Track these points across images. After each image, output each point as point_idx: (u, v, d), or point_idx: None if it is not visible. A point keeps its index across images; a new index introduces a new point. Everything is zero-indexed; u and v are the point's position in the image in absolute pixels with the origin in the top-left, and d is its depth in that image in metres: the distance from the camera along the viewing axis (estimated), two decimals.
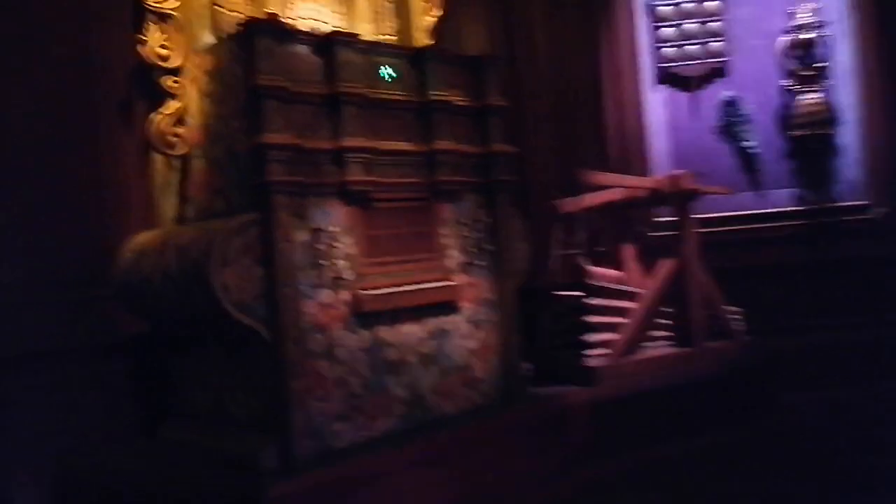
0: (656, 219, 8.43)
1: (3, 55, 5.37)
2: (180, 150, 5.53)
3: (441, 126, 5.79)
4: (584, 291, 6.73)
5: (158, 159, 5.71)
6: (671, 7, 8.73)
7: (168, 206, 5.69)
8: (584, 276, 6.80)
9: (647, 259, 7.30)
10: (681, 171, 7.22)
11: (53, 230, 5.54)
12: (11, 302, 5.26)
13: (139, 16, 5.57)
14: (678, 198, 7.12)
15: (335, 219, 5.13)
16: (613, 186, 7.18)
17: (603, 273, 6.99)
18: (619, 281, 7.03)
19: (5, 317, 5.20)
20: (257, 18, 5.00)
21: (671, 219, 7.40)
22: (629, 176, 7.60)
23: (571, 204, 7.04)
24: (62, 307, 5.48)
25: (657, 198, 7.29)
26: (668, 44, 8.75)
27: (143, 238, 5.57)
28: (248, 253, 4.70)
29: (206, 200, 5.35)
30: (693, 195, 7.12)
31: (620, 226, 7.72)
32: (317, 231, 5.00)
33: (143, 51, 5.44)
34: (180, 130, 5.50)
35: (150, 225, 5.79)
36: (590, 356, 6.54)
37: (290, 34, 5.07)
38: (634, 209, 7.88)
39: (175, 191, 5.66)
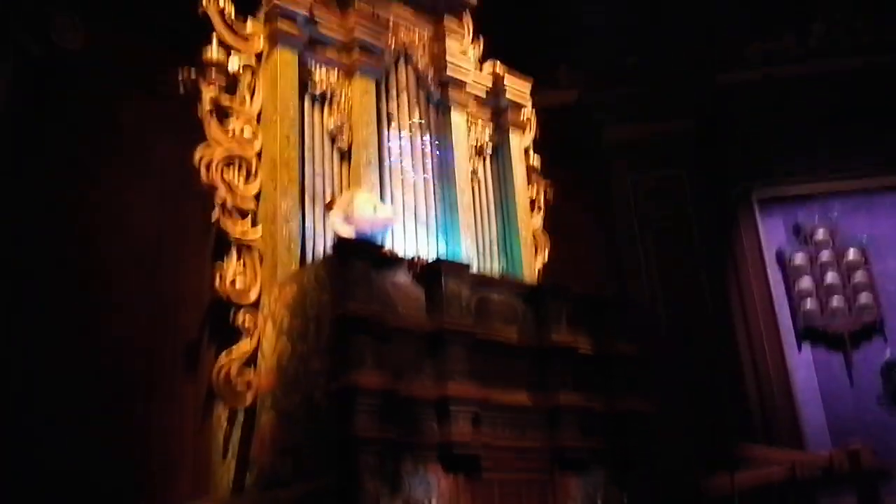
0: None
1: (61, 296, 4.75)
2: (247, 401, 4.55)
3: (564, 375, 4.76)
4: None
5: (221, 411, 4.77)
6: (805, 258, 7.78)
7: (225, 469, 4.64)
8: None
9: None
10: (860, 444, 5.75)
11: (84, 495, 4.46)
12: None
13: (220, 248, 4.94)
14: (861, 479, 5.57)
15: (435, 490, 3.95)
16: (774, 463, 5.72)
17: None
18: None
19: None
20: (351, 240, 4.26)
21: None
22: (796, 451, 6.13)
23: (721, 483, 5.58)
24: None
25: (830, 478, 5.74)
26: (809, 297, 7.66)
27: None
28: None
29: (271, 462, 4.25)
30: (883, 476, 5.56)
31: None
32: None
33: (220, 285, 4.71)
34: (250, 377, 4.57)
35: (203, 493, 4.70)
36: None
37: (388, 259, 4.31)
38: (795, 492, 6.27)
39: (235, 451, 4.61)
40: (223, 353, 4.64)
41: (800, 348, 7.64)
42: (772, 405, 7.40)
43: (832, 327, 7.60)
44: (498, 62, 6.36)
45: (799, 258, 7.79)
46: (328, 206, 4.94)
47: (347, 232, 4.63)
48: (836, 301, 7.63)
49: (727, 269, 7.81)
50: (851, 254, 7.79)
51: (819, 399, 7.51)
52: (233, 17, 5.18)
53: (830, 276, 7.69)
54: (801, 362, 7.60)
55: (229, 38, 5.14)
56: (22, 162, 4.86)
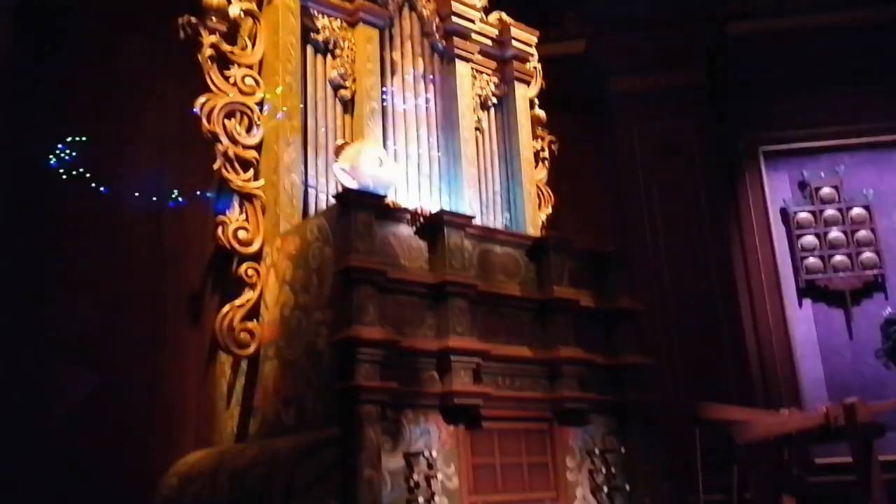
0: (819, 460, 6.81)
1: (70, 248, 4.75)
2: (250, 350, 4.59)
3: (565, 329, 4.78)
4: None
5: (224, 361, 4.81)
6: (809, 213, 7.76)
7: (228, 418, 4.69)
8: None
9: None
10: (855, 400, 5.78)
11: (91, 445, 4.54)
12: None
13: (223, 196, 4.93)
14: (858, 433, 5.61)
15: (436, 440, 3.99)
16: (770, 426, 5.77)
17: None
18: None
19: None
20: (354, 191, 4.24)
21: (845, 461, 5.83)
22: (793, 411, 6.16)
23: (716, 411, 5.66)
24: None
25: (826, 432, 5.78)
26: (812, 253, 7.66)
27: (193, 458, 4.54)
28: (322, 483, 3.57)
29: (274, 411, 4.30)
30: (877, 430, 5.61)
31: (773, 469, 6.16)
32: (412, 456, 3.84)
33: (223, 235, 4.71)
34: (252, 325, 4.60)
35: (207, 442, 4.77)
36: None
37: (391, 211, 4.29)
38: (790, 446, 6.34)
39: (239, 400, 4.66)
40: (226, 303, 4.66)
41: (801, 304, 7.66)
42: (771, 358, 7.45)
43: (834, 283, 7.61)
44: (503, 14, 6.25)
45: (803, 213, 7.76)
46: (338, 151, 4.90)
47: (350, 184, 4.61)
48: (838, 257, 7.63)
49: (731, 222, 7.77)
50: (856, 210, 7.77)
51: (818, 353, 7.56)
52: None
53: (834, 233, 7.68)
54: (802, 317, 7.63)
55: None
56: (21, 109, 4.82)
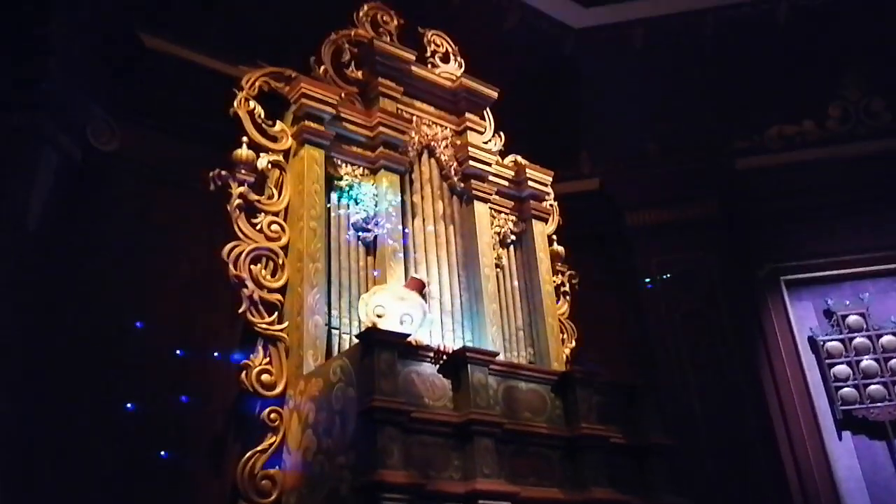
0: None
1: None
2: (271, 499, 4.48)
3: (596, 468, 4.63)
4: None
5: None
6: (838, 342, 7.60)
7: None
8: None
9: None
10: None
11: None
12: None
13: (247, 340, 4.96)
14: None
15: None
16: None
17: None
18: None
19: None
20: (376, 330, 4.25)
21: None
22: None
23: None
24: None
25: None
26: (846, 383, 7.44)
27: None
28: None
29: None
30: None
31: None
32: None
33: (246, 378, 4.71)
34: (274, 472, 4.50)
35: None
36: None
37: (413, 350, 4.28)
38: None
39: None
40: (248, 449, 4.58)
41: (840, 437, 7.35)
42: (815, 495, 7.05)
43: (873, 415, 7.33)
44: (518, 157, 6.49)
45: (832, 343, 7.60)
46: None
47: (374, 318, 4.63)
48: (874, 387, 7.40)
49: (759, 352, 7.59)
50: (886, 337, 7.59)
51: (864, 490, 7.17)
52: (262, 117, 5.37)
53: (866, 362, 7.49)
54: (843, 451, 7.29)
55: (259, 138, 5.31)
56: (58, 255, 4.96)
